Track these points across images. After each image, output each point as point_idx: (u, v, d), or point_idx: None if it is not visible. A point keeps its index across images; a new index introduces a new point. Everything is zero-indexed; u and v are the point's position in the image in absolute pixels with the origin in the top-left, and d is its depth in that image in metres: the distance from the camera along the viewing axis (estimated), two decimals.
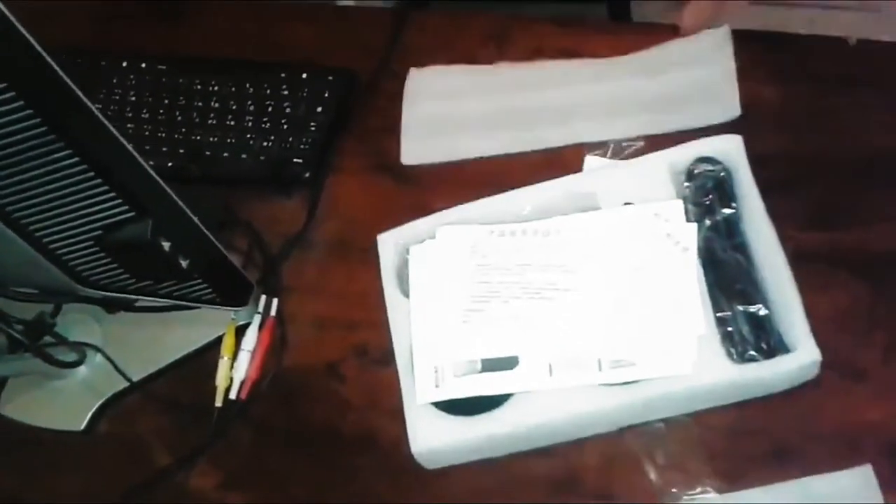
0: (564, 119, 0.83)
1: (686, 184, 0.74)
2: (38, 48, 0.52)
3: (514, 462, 0.73)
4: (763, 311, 0.68)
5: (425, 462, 0.71)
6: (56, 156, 0.57)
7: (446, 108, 0.88)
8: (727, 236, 0.71)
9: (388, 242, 0.78)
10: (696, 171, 0.74)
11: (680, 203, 0.72)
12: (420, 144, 0.87)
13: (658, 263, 0.70)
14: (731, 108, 0.80)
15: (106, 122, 0.58)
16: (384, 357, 0.79)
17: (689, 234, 0.70)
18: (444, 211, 0.78)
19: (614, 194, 0.74)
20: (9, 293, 0.74)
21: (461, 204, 0.78)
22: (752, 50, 0.84)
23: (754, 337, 0.68)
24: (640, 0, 1.38)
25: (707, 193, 0.73)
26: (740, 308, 0.69)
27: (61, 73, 0.54)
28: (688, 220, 0.72)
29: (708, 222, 0.72)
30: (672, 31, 0.86)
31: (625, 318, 0.69)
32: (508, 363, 0.69)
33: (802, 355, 0.66)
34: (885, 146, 0.77)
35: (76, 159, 0.58)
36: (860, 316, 0.71)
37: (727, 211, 0.72)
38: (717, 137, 0.74)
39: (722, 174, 0.73)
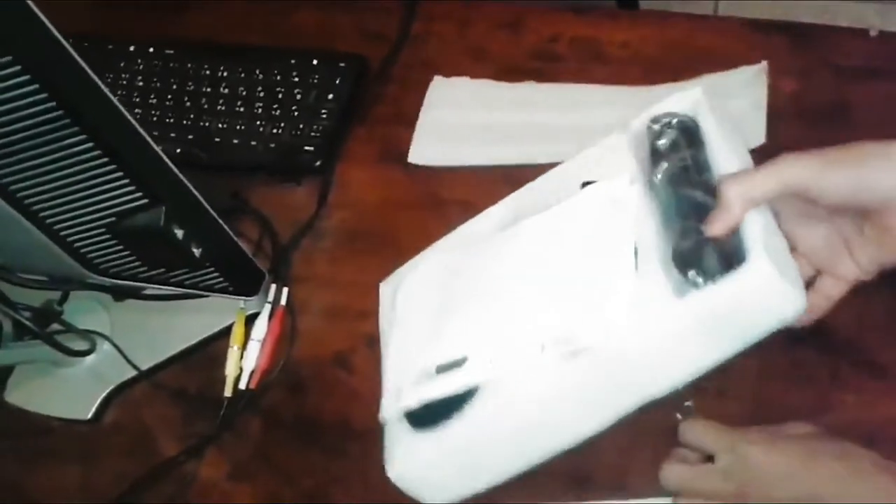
0: (581, 137, 0.79)
1: (650, 128, 0.67)
2: (55, 32, 0.52)
3: None
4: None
5: (407, 488, 0.67)
6: (70, 141, 0.57)
7: (463, 116, 0.87)
8: (695, 174, 0.64)
9: (388, 286, 0.77)
10: (660, 121, 0.67)
11: (623, 175, 0.67)
12: (430, 147, 0.86)
13: (595, 234, 0.66)
14: (756, 136, 0.77)
15: (121, 108, 0.57)
16: None
17: (628, 197, 0.66)
18: (431, 246, 0.76)
19: (580, 180, 0.71)
20: (16, 280, 0.73)
21: (455, 227, 0.76)
22: (772, 41, 0.83)
23: (700, 262, 0.60)
24: None
25: (671, 137, 0.66)
26: (694, 238, 0.61)
27: (78, 57, 0.53)
28: (651, 165, 0.67)
29: (672, 163, 0.65)
30: (686, 20, 0.86)
31: (561, 295, 0.65)
32: (457, 364, 0.66)
33: (753, 266, 0.57)
34: None
35: (90, 145, 0.57)
36: (879, 312, 0.70)
37: (694, 150, 0.65)
38: (675, 95, 0.69)
39: (686, 122, 0.67)
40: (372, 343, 0.79)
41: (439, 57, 0.91)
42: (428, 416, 0.65)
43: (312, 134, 0.87)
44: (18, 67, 0.51)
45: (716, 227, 0.59)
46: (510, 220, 0.72)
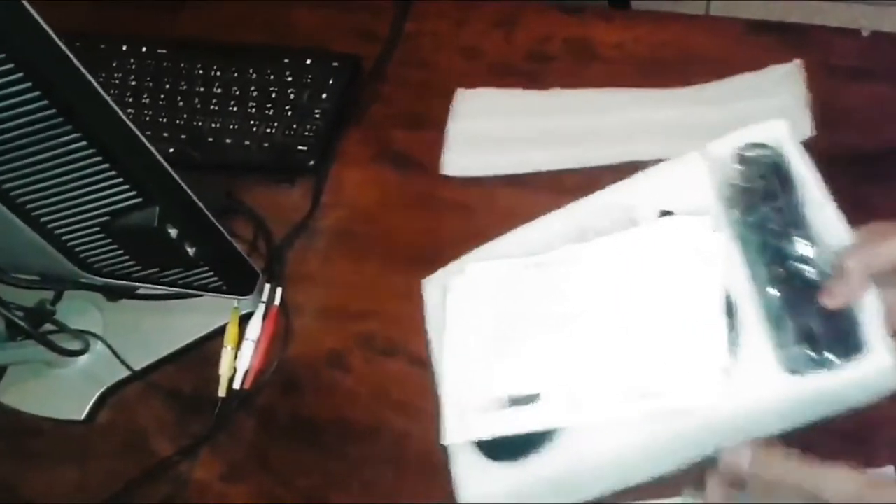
0: (619, 140, 0.79)
1: (737, 166, 0.65)
2: (49, 29, 0.51)
3: None
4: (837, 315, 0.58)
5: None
6: (64, 140, 0.56)
7: (493, 125, 0.85)
8: (790, 223, 0.62)
9: (432, 285, 0.73)
10: (747, 155, 0.65)
11: (707, 218, 0.64)
12: (463, 157, 0.85)
13: (682, 282, 0.63)
14: (802, 130, 0.76)
15: (115, 107, 0.57)
16: (389, 347, 0.79)
17: (714, 247, 0.63)
18: (480, 248, 0.72)
19: (652, 201, 0.67)
20: (9, 279, 0.73)
21: (498, 236, 0.72)
22: (764, 41, 0.83)
23: (814, 340, 0.57)
24: None
25: (762, 176, 0.64)
26: (800, 307, 0.59)
27: (72, 56, 0.53)
28: (738, 207, 0.64)
29: (765, 208, 0.63)
30: (678, 21, 0.86)
31: (646, 343, 0.63)
32: (531, 399, 0.63)
33: (875, 359, 0.56)
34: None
35: (84, 143, 0.57)
36: None
37: (787, 195, 0.63)
38: (760, 125, 0.65)
39: (776, 158, 0.64)
40: (367, 343, 0.79)
41: (433, 56, 0.91)
42: (499, 446, 0.63)
43: (306, 134, 0.86)
44: (12, 66, 0.51)
45: (835, 300, 0.57)
46: (574, 234, 0.68)
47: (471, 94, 0.87)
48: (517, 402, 0.63)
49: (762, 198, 0.63)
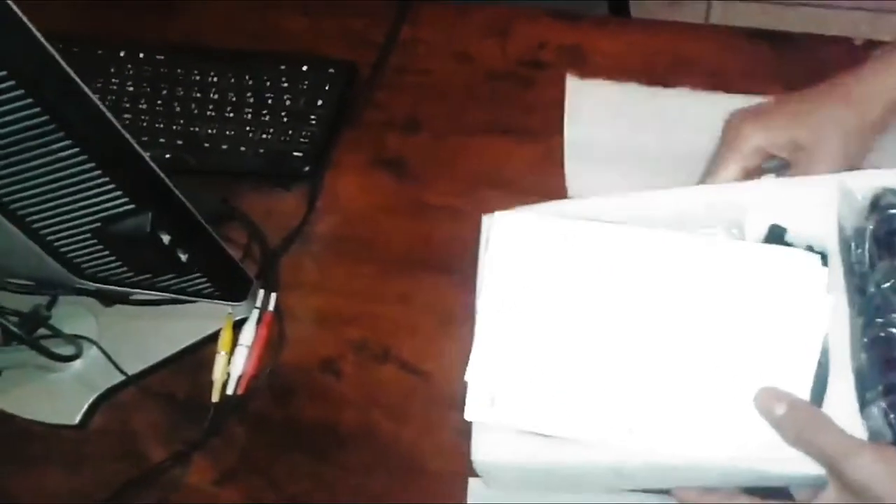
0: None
1: (870, 215, 0.60)
2: (39, 36, 0.52)
3: None
4: None
5: (483, 474, 0.63)
6: (56, 146, 0.56)
7: (615, 133, 0.79)
8: None
9: (494, 228, 0.64)
10: (882, 203, 0.60)
11: (817, 259, 0.59)
12: (588, 175, 0.79)
13: (775, 322, 0.58)
14: None
15: (107, 113, 0.57)
16: (382, 353, 0.79)
17: (822, 307, 0.57)
18: (564, 201, 0.66)
19: (766, 212, 0.61)
20: (3, 285, 0.73)
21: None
22: (758, 49, 0.83)
23: None
24: None
25: (892, 232, 0.59)
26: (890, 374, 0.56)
27: (62, 62, 0.53)
28: (856, 253, 0.60)
29: (883, 264, 0.58)
30: (672, 28, 0.86)
31: (720, 384, 0.58)
32: (578, 404, 0.59)
33: None
34: None
35: (76, 150, 0.57)
36: None
37: None
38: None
39: None
40: (360, 349, 0.79)
41: (428, 62, 0.91)
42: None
43: (301, 139, 0.87)
44: (4, 73, 0.51)
45: None
46: (670, 219, 0.63)
47: (585, 86, 0.82)
48: (557, 398, 0.59)
49: (886, 253, 0.59)
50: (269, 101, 0.88)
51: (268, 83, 0.89)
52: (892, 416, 0.55)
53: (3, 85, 0.52)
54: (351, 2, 0.96)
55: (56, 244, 0.64)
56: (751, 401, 0.57)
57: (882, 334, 0.57)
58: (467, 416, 0.61)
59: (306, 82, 0.89)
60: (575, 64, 0.87)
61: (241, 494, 0.76)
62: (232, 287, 0.75)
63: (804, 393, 0.57)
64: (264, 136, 0.87)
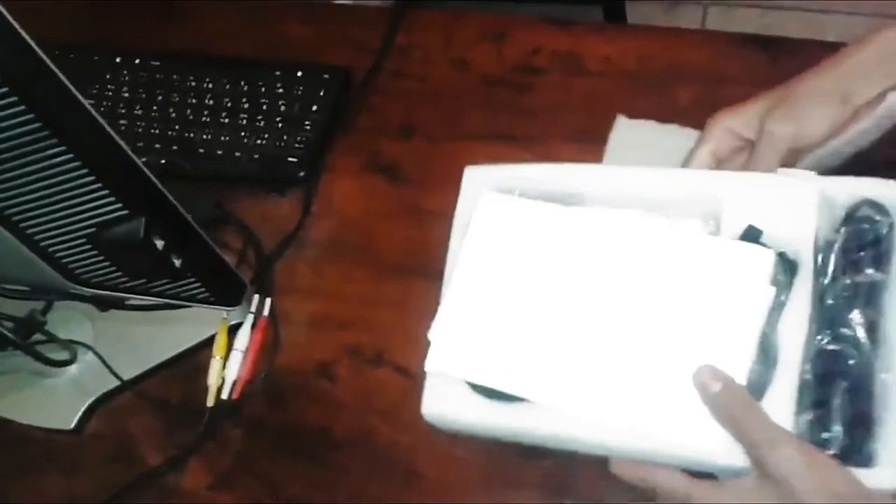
0: None
1: (842, 228, 0.61)
2: (32, 44, 0.52)
3: (508, 465, 0.72)
4: (861, 413, 0.56)
5: (433, 421, 0.65)
6: (49, 152, 0.57)
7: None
8: (864, 304, 0.58)
9: (475, 179, 0.68)
10: (857, 215, 0.60)
11: (769, 254, 0.59)
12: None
13: (719, 317, 0.59)
14: None
15: (100, 120, 0.57)
16: (377, 357, 0.79)
17: (762, 299, 0.59)
18: (544, 165, 0.68)
19: (743, 208, 0.62)
20: None
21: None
22: (751, 55, 0.84)
23: (837, 440, 0.56)
24: (636, 1, 1.39)
25: (861, 247, 0.59)
26: (839, 396, 0.57)
27: (55, 69, 0.53)
28: (829, 271, 0.60)
29: (847, 281, 0.59)
30: (666, 34, 0.86)
31: (660, 367, 0.60)
32: (529, 366, 0.62)
33: (881, 475, 0.55)
34: (885, 156, 0.76)
35: (70, 156, 0.57)
36: None
37: (873, 274, 0.59)
38: (886, 182, 0.61)
39: (885, 230, 0.60)
40: (355, 353, 0.80)
41: (423, 68, 0.91)
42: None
43: (296, 145, 0.87)
44: None
45: None
46: (646, 201, 0.64)
47: (631, 126, 0.82)
48: (512, 361, 0.62)
49: (850, 267, 0.59)
50: (264, 107, 0.89)
51: (263, 89, 0.90)
52: (816, 429, 0.56)
53: None
54: (348, 8, 0.97)
55: (50, 250, 0.65)
56: (687, 385, 0.58)
57: (828, 347, 0.58)
58: (426, 366, 0.64)
59: (301, 88, 0.89)
60: (569, 69, 0.87)
61: (236, 499, 0.77)
62: (226, 292, 0.76)
63: (739, 380, 0.57)
64: (259, 141, 0.88)
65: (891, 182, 0.61)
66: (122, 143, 0.60)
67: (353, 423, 0.77)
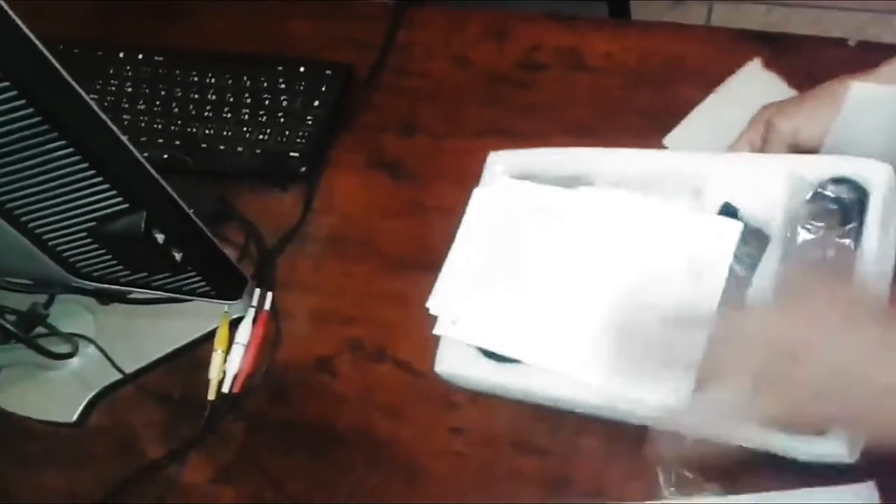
0: None
1: (807, 205, 0.65)
2: (32, 37, 0.52)
3: (505, 461, 0.73)
4: None
5: (450, 380, 0.72)
6: (50, 146, 0.57)
7: None
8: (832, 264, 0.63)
9: (500, 164, 0.76)
10: (826, 192, 0.65)
11: (738, 226, 0.65)
12: None
13: (686, 283, 0.64)
14: None
15: (101, 114, 0.58)
16: (378, 352, 0.79)
17: (720, 268, 0.64)
18: (538, 150, 0.75)
19: (723, 185, 0.67)
20: (1, 283, 0.74)
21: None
22: (752, 50, 0.84)
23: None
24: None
25: (827, 220, 0.64)
26: None
27: (56, 63, 0.54)
28: (793, 237, 0.64)
29: (815, 252, 0.63)
30: (667, 29, 0.86)
31: (634, 332, 0.65)
32: (522, 330, 0.69)
33: (827, 446, 0.59)
34: None
35: (70, 150, 0.58)
36: None
37: (843, 241, 0.63)
38: (860, 160, 0.65)
39: (851, 204, 0.64)
40: (356, 348, 0.80)
41: (425, 65, 0.91)
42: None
43: (298, 140, 0.87)
44: None
45: None
46: (634, 181, 0.70)
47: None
48: (507, 328, 0.69)
49: (817, 244, 0.63)
50: (267, 103, 0.89)
51: (265, 84, 0.90)
52: None
53: None
54: (350, 5, 0.97)
55: (52, 243, 0.65)
56: (658, 345, 0.63)
57: None
58: (435, 330, 0.72)
59: (303, 84, 0.89)
60: (571, 65, 0.87)
61: (237, 492, 0.77)
62: (227, 286, 0.76)
63: (700, 344, 0.61)
64: (261, 136, 0.88)
65: (855, 159, 0.65)
66: (122, 137, 0.60)
67: (353, 418, 0.77)
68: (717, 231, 0.66)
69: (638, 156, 0.71)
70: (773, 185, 0.66)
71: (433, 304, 0.72)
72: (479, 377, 0.70)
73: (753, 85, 0.82)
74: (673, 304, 0.64)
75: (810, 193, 0.65)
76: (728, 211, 0.66)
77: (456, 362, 0.71)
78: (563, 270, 0.69)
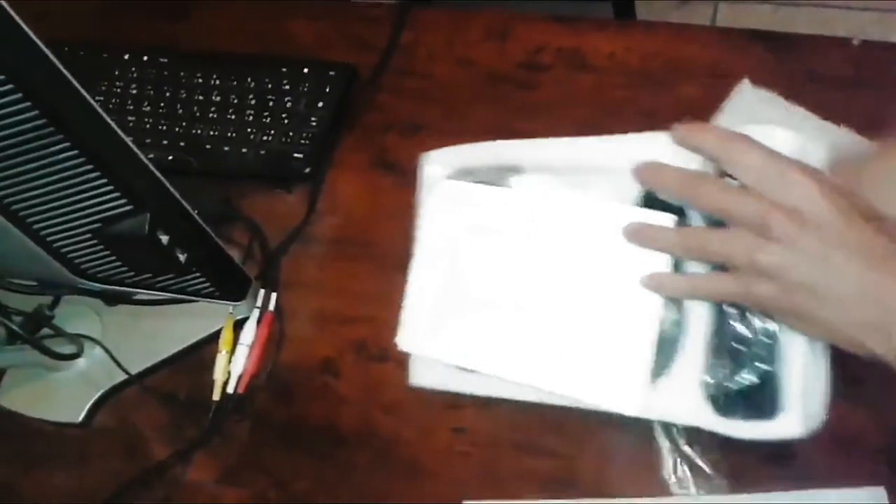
0: None
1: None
2: (36, 40, 0.52)
3: (508, 460, 0.73)
4: (766, 367, 0.61)
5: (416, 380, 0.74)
6: (54, 148, 0.57)
7: None
8: None
9: (435, 164, 0.76)
10: None
11: (670, 218, 0.64)
12: None
13: (628, 274, 0.65)
14: None
15: (104, 115, 0.58)
16: (382, 353, 0.79)
17: (662, 261, 0.64)
18: (484, 144, 0.74)
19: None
20: (7, 285, 0.74)
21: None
22: (755, 50, 0.84)
23: (743, 389, 0.61)
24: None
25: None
26: (743, 345, 0.62)
27: (59, 64, 0.54)
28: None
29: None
30: (670, 30, 0.86)
31: (581, 333, 0.66)
32: (477, 341, 0.70)
33: (781, 426, 0.60)
34: None
35: (74, 152, 0.58)
36: None
37: None
38: (765, 127, 0.63)
39: None
40: (360, 348, 0.80)
41: (428, 66, 0.91)
42: None
43: (302, 141, 0.88)
44: (2, 77, 0.52)
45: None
46: (558, 165, 0.70)
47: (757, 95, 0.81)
48: (460, 349, 0.70)
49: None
50: (271, 104, 0.89)
51: (269, 85, 0.90)
52: (727, 377, 0.62)
53: (1, 88, 0.53)
54: (354, 7, 0.97)
55: (56, 245, 0.65)
56: (606, 345, 0.65)
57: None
58: (399, 346, 0.73)
59: (307, 84, 0.90)
60: (573, 66, 0.87)
61: (242, 492, 0.77)
62: (231, 286, 0.76)
63: (650, 335, 0.63)
64: (265, 137, 0.88)
65: (760, 126, 0.62)
66: (127, 139, 0.60)
67: (357, 418, 0.78)
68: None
69: (565, 144, 0.71)
70: (691, 159, 0.64)
71: (401, 341, 0.73)
72: (452, 387, 0.71)
73: (751, 102, 0.81)
74: (618, 303, 0.65)
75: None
76: (648, 198, 0.67)
77: (427, 376, 0.72)
78: (516, 282, 0.69)
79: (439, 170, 0.75)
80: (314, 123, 0.88)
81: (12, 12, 0.50)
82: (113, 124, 0.59)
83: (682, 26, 0.88)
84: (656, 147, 0.65)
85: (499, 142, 0.73)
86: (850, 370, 0.69)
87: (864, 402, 0.68)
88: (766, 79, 0.81)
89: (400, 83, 0.91)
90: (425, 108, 0.90)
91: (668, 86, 0.83)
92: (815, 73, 0.81)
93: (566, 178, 0.70)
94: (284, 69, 0.91)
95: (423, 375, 0.73)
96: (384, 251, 0.84)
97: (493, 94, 0.88)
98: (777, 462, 0.68)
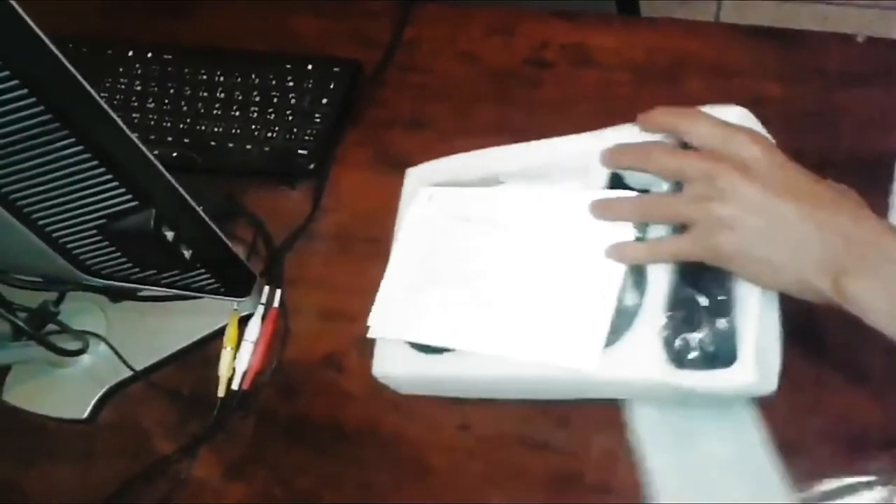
0: None
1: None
2: (43, 36, 0.52)
3: (513, 457, 0.73)
4: (722, 321, 0.63)
5: (387, 382, 0.75)
6: (59, 144, 0.57)
7: None
8: None
9: (416, 179, 0.79)
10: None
11: (632, 193, 0.68)
12: None
13: (591, 251, 0.68)
14: None
15: (109, 111, 0.58)
16: None
17: (624, 233, 0.67)
18: (463, 154, 0.77)
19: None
20: (12, 281, 0.74)
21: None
22: (760, 46, 0.83)
23: (700, 342, 0.63)
24: None
25: None
26: (700, 303, 0.64)
27: (65, 60, 0.54)
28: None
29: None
30: (675, 26, 0.86)
31: (546, 301, 0.69)
32: (451, 321, 0.72)
33: (736, 374, 0.61)
34: (893, 146, 0.76)
35: (80, 148, 0.58)
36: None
37: None
38: (724, 107, 0.66)
39: None
40: (364, 344, 0.80)
41: (432, 62, 0.91)
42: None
43: (306, 137, 0.88)
44: (7, 73, 0.52)
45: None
46: (536, 171, 0.73)
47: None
48: (432, 328, 0.72)
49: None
50: (275, 100, 0.89)
51: (273, 82, 0.90)
52: (684, 333, 0.64)
53: (7, 84, 0.53)
54: (357, 3, 0.97)
55: (62, 241, 0.65)
56: (572, 317, 0.67)
57: (690, 266, 0.65)
58: (370, 333, 0.74)
59: (311, 81, 0.90)
60: (578, 62, 0.87)
61: (246, 488, 0.77)
62: (235, 283, 0.76)
63: (610, 301, 0.66)
64: (270, 134, 0.88)
65: (719, 107, 0.66)
66: (132, 135, 0.60)
67: (361, 414, 0.78)
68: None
69: (541, 146, 0.74)
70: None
71: (372, 329, 0.74)
72: (415, 372, 0.72)
73: None
74: (582, 275, 0.68)
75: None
76: (616, 180, 0.69)
77: (393, 363, 0.73)
78: (486, 263, 0.72)
79: (420, 185, 0.78)
80: (318, 120, 0.88)
81: (18, 8, 0.50)
82: (118, 120, 0.59)
83: (686, 22, 0.88)
84: (627, 137, 0.68)
85: (476, 152, 0.76)
86: (857, 365, 0.70)
87: (873, 398, 0.68)
88: (770, 75, 0.81)
89: (403, 79, 0.91)
90: (429, 103, 0.90)
91: (672, 82, 0.83)
92: (819, 69, 0.81)
93: (544, 180, 0.72)
94: (288, 65, 0.91)
95: (384, 364, 0.74)
96: (388, 247, 0.83)
97: (496, 89, 0.88)
98: (782, 457, 0.68)
